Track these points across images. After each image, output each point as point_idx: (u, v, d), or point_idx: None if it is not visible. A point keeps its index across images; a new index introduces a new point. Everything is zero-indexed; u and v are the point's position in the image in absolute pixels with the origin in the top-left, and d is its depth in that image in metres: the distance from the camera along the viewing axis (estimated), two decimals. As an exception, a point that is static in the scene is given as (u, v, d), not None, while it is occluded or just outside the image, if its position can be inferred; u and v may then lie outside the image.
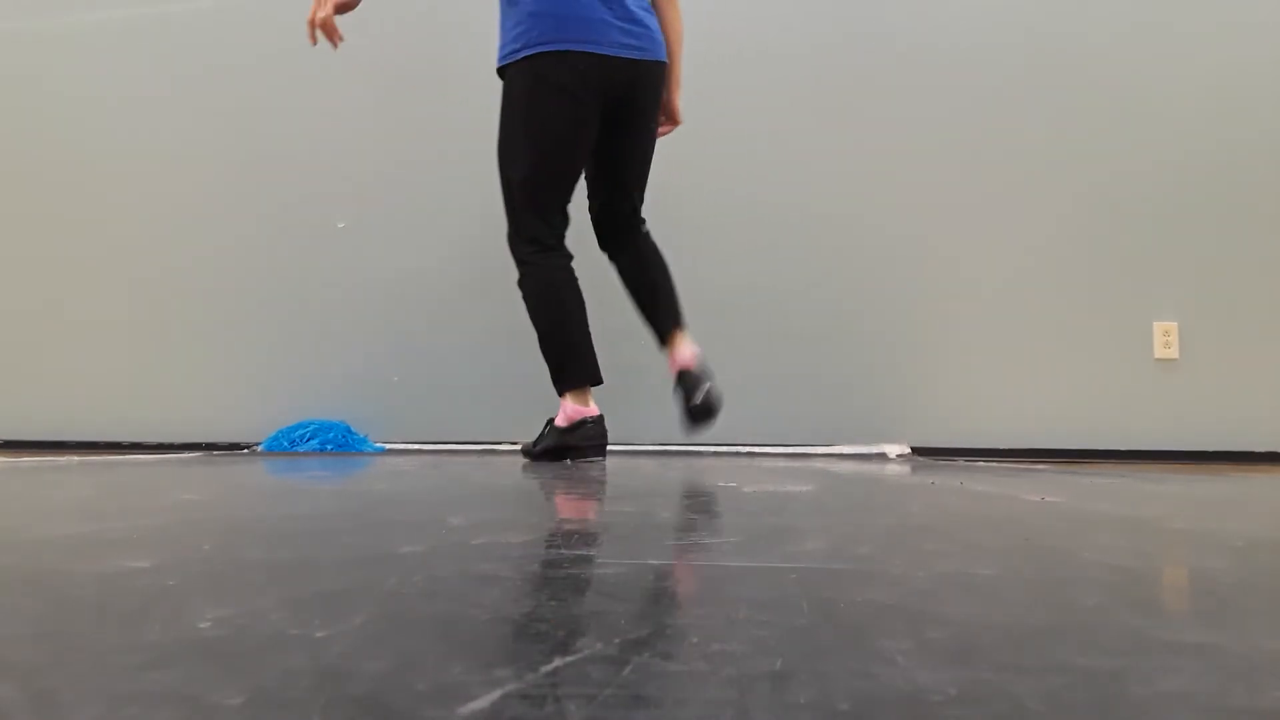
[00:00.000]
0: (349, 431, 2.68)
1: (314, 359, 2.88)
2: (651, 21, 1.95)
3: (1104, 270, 2.60)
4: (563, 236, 1.95)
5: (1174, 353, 2.54)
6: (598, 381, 1.93)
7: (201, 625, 0.38)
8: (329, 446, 2.60)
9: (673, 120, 2.11)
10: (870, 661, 0.33)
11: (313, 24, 1.86)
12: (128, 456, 2.29)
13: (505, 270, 2.47)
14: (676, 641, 0.36)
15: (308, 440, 2.61)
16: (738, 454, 2.48)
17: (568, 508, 0.96)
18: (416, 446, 2.71)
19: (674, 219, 2.82)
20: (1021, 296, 2.63)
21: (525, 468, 1.72)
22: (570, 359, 1.91)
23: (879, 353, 2.67)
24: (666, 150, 2.80)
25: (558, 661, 0.32)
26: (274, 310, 2.94)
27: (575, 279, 1.94)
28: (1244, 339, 2.52)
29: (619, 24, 1.88)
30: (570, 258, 1.95)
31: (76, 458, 2.11)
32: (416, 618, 0.41)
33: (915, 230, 2.69)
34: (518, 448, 2.72)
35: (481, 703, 0.27)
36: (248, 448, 2.73)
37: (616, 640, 0.36)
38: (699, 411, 1.92)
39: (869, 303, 2.69)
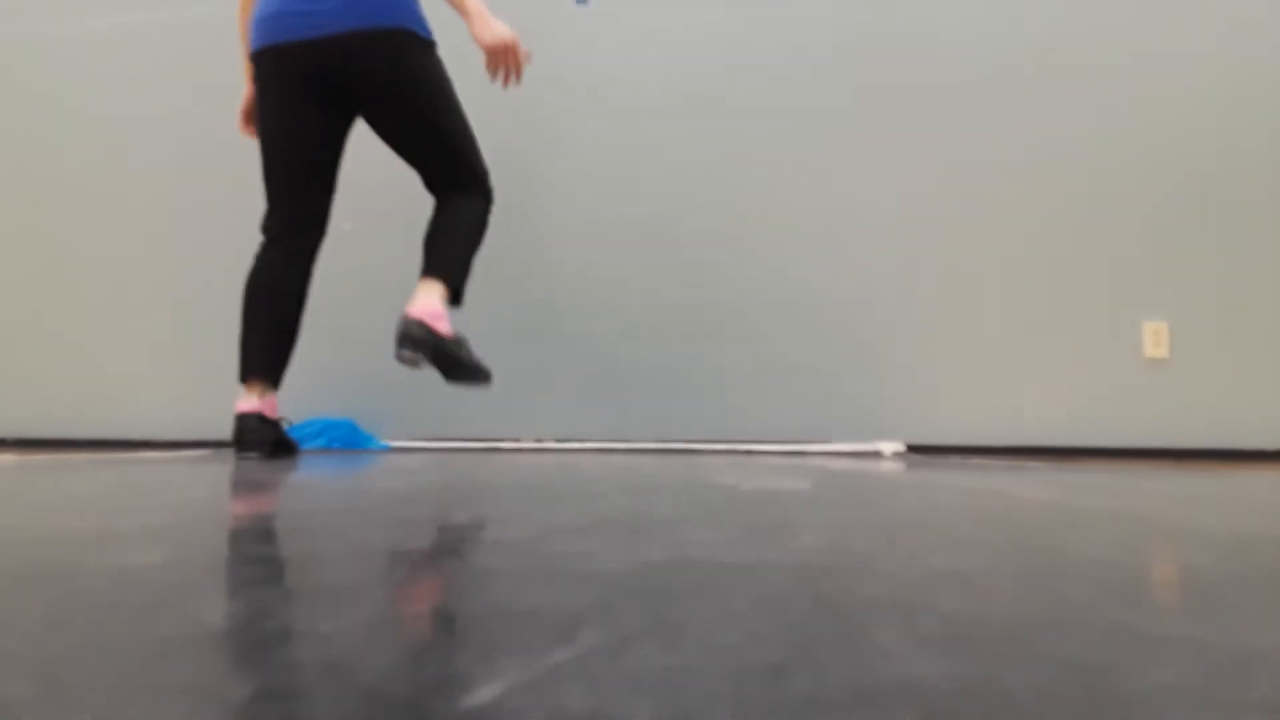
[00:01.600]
0: (355, 429, 2.68)
1: (321, 358, 2.88)
2: None
3: (1095, 270, 2.61)
4: (292, 230, 2.00)
5: (1164, 352, 2.55)
6: (243, 379, 1.99)
7: (210, 619, 0.38)
8: (335, 444, 2.61)
9: (483, 47, 1.98)
10: (865, 654, 0.34)
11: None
12: (138, 454, 2.29)
13: (506, 270, 2.48)
14: (676, 634, 0.36)
15: (314, 438, 2.61)
16: (735, 451, 2.49)
17: (568, 504, 0.97)
18: (422, 444, 2.72)
19: (673, 218, 2.83)
20: (1013, 296, 2.64)
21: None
22: (242, 352, 2.00)
23: (874, 352, 2.67)
24: (667, 150, 2.80)
25: (560, 654, 0.33)
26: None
27: (281, 273, 1.99)
28: (1233, 338, 2.53)
29: (294, 8, 1.88)
30: (295, 248, 2.00)
31: (87, 455, 2.10)
32: (421, 611, 0.42)
33: (908, 230, 2.70)
34: (517, 445, 2.73)
35: (485, 694, 0.28)
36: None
37: (617, 633, 0.36)
38: (400, 350, 1.91)
39: (864, 302, 2.69)
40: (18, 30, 3.17)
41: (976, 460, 2.19)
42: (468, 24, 1.95)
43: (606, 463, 1.84)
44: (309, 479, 1.44)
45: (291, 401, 2.83)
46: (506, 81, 1.98)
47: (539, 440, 2.75)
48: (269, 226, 2.01)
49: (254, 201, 3.07)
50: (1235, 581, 0.53)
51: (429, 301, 1.89)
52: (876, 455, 2.38)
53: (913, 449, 2.58)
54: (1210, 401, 2.53)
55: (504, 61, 1.95)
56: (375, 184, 2.93)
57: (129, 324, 3.02)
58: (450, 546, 0.63)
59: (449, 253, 1.96)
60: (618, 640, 0.35)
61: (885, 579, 0.51)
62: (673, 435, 2.72)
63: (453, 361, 1.91)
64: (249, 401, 1.93)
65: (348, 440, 2.63)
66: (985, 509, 0.95)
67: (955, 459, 2.23)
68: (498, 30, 1.92)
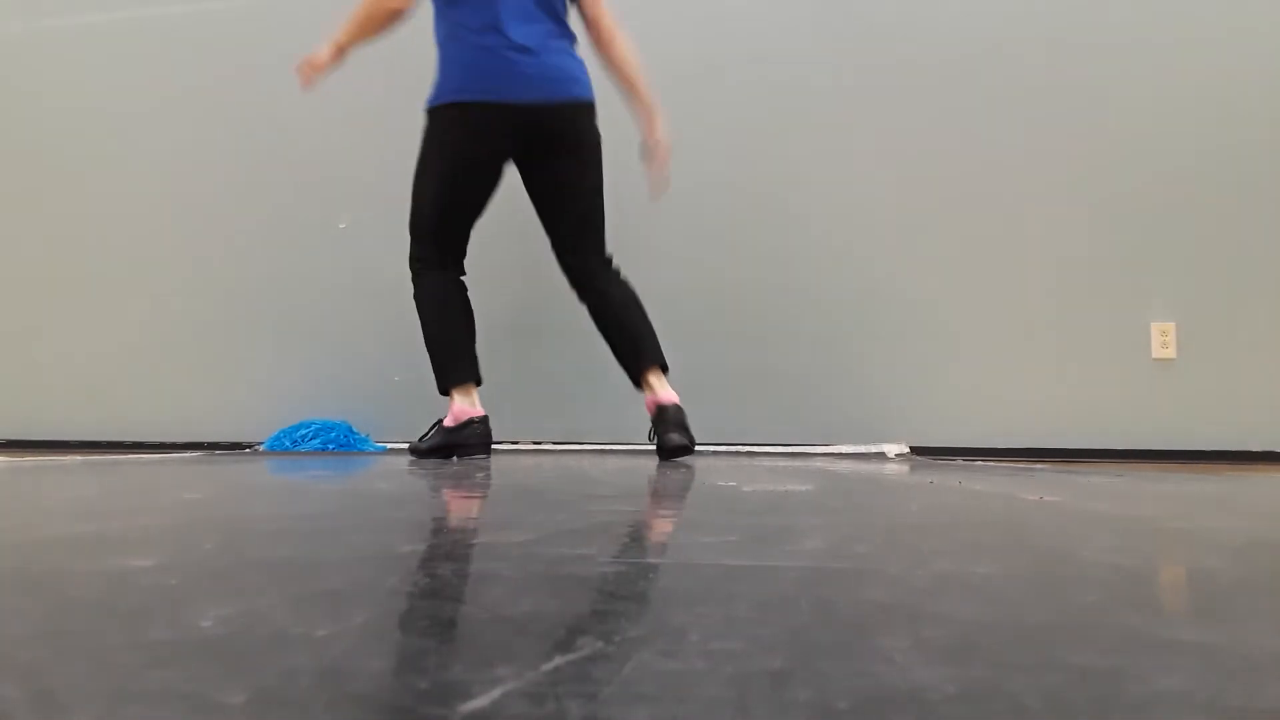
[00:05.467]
0: (350, 431, 2.68)
1: (316, 359, 2.88)
2: (567, 61, 1.99)
3: (1102, 270, 2.60)
4: (456, 259, 2.09)
5: (1171, 353, 2.54)
6: (478, 380, 2.04)
7: (203, 624, 0.38)
8: (330, 446, 2.61)
9: (657, 154, 2.11)
10: (869, 660, 0.33)
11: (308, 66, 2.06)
12: (130, 456, 2.29)
13: (504, 270, 2.48)
14: (676, 640, 0.36)
15: (309, 440, 2.61)
16: (737, 453, 2.48)
17: (567, 507, 0.97)
18: (417, 446, 2.71)
19: (674, 218, 2.82)
20: (1020, 297, 2.64)
21: (412, 463, 1.81)
22: (451, 359, 2.03)
23: (878, 353, 2.67)
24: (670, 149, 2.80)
25: (558, 660, 0.32)
26: (276, 310, 2.94)
27: (462, 291, 2.08)
28: (1241, 339, 2.52)
29: (525, 70, 1.96)
30: (459, 273, 2.09)
31: (79, 457, 2.11)
32: (417, 616, 0.41)
33: (914, 231, 2.69)
34: (516, 447, 2.72)
35: (482, 701, 0.27)
36: (250, 447, 2.73)
37: (617, 638, 0.36)
38: (671, 452, 1.95)
39: (869, 302, 2.69)
40: (11, 28, 3.17)
41: (982, 462, 2.18)
42: (654, 122, 2.06)
43: (606, 464, 1.84)
44: (304, 482, 1.44)
45: (287, 403, 2.84)
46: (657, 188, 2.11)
47: (537, 442, 2.75)
48: (429, 257, 2.07)
49: (251, 204, 3.09)
50: (1243, 586, 0.53)
51: (668, 388, 1.99)
52: (880, 457, 2.38)
53: (917, 451, 2.57)
54: (1219, 403, 2.51)
55: (666, 159, 2.09)
56: (372, 183, 2.94)
57: (122, 326, 3.02)
58: (447, 550, 0.62)
59: (649, 339, 2.04)
60: (617, 646, 0.35)
61: (889, 583, 0.51)
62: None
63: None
64: (474, 406, 2.02)
65: (343, 442, 2.63)
66: (991, 512, 0.95)
67: (960, 461, 2.23)
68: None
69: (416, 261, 2.08)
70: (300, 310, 2.92)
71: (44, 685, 0.30)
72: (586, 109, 2.02)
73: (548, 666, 0.31)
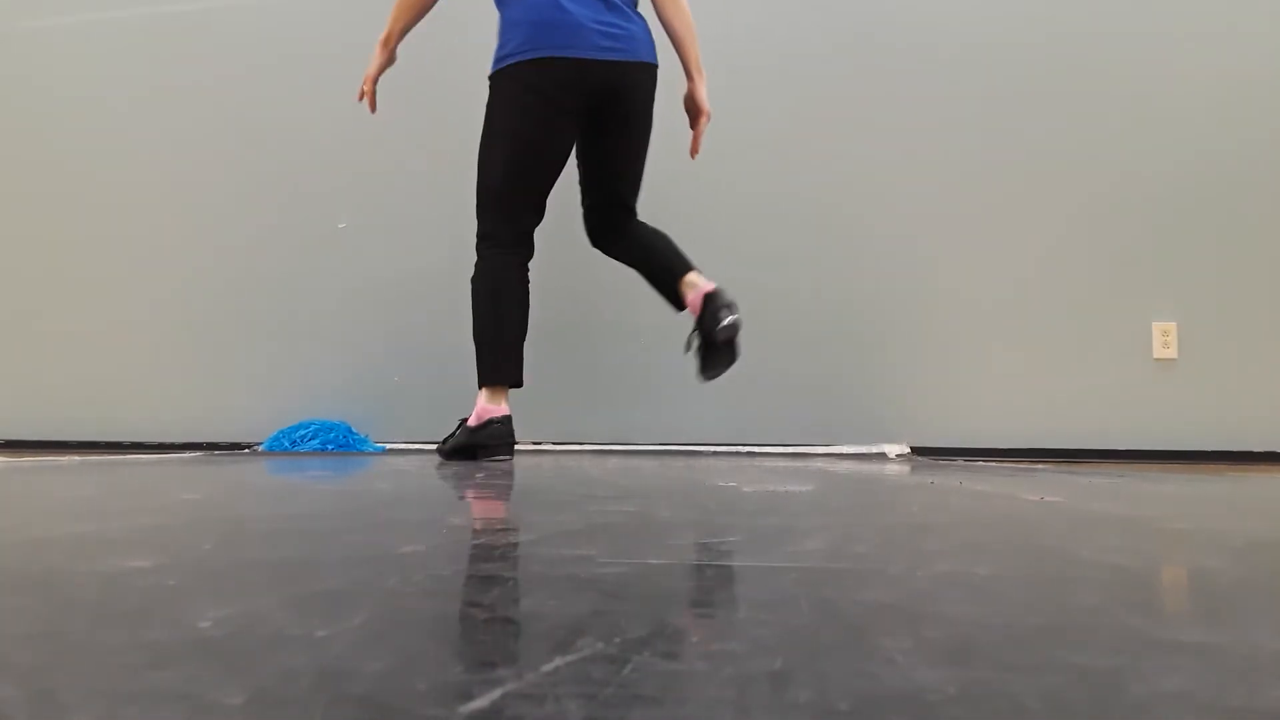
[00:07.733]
0: (350, 431, 2.68)
1: (315, 359, 2.88)
2: (635, 23, 1.99)
3: (1103, 271, 2.60)
4: (527, 234, 2.02)
5: (1173, 353, 2.54)
6: (517, 384, 1.99)
7: (202, 625, 0.38)
8: (330, 446, 2.60)
9: (700, 111, 2.14)
10: (869, 661, 0.33)
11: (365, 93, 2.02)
12: (128, 456, 2.29)
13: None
14: (676, 641, 0.36)
15: (309, 440, 2.61)
16: (738, 454, 2.48)
17: (567, 508, 0.96)
18: (417, 446, 2.71)
19: (676, 218, 2.82)
20: (1021, 297, 2.63)
21: (440, 465, 1.78)
22: (494, 357, 1.97)
23: (879, 353, 2.67)
24: (670, 149, 2.79)
25: (558, 661, 0.32)
26: (275, 310, 2.94)
27: (524, 279, 2.01)
28: (1242, 339, 2.52)
29: (597, 27, 1.94)
30: (527, 255, 2.02)
31: (77, 457, 2.11)
32: (417, 617, 0.41)
33: (916, 231, 2.69)
34: (519, 447, 2.72)
35: (482, 702, 0.27)
36: (249, 447, 2.73)
37: (617, 640, 0.36)
38: (723, 337, 1.98)
39: (870, 303, 2.69)
40: (12, 26, 3.18)
41: (983, 463, 2.18)
42: (699, 86, 2.10)
43: (606, 465, 1.84)
44: (303, 482, 1.44)
45: (286, 404, 2.83)
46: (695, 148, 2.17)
47: (537, 442, 2.75)
48: (498, 234, 1.99)
49: (250, 204, 3.09)
50: (1245, 586, 0.53)
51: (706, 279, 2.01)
52: (881, 458, 2.38)
53: (918, 451, 2.57)
54: (1220, 403, 2.51)
55: (704, 122, 2.14)
56: (371, 184, 2.94)
57: (120, 326, 3.02)
58: (446, 550, 0.62)
59: (679, 254, 2.07)
60: (617, 647, 0.34)
61: (890, 584, 0.51)
62: (673, 437, 2.71)
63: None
64: (499, 406, 1.96)
65: (343, 442, 2.62)
66: (992, 512, 0.95)
67: (962, 461, 2.23)
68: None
69: (483, 241, 1.99)
70: (300, 310, 2.91)
71: (44, 685, 0.30)
72: (651, 71, 2.01)
73: (547, 667, 0.31)
